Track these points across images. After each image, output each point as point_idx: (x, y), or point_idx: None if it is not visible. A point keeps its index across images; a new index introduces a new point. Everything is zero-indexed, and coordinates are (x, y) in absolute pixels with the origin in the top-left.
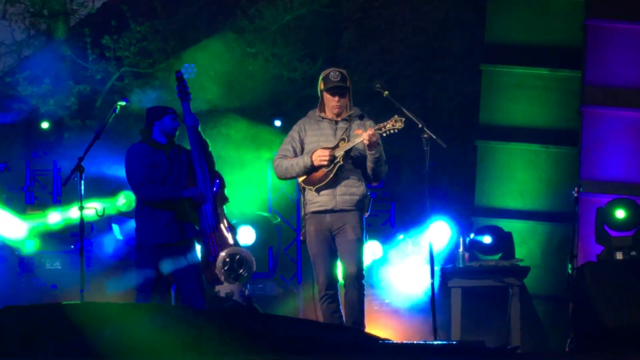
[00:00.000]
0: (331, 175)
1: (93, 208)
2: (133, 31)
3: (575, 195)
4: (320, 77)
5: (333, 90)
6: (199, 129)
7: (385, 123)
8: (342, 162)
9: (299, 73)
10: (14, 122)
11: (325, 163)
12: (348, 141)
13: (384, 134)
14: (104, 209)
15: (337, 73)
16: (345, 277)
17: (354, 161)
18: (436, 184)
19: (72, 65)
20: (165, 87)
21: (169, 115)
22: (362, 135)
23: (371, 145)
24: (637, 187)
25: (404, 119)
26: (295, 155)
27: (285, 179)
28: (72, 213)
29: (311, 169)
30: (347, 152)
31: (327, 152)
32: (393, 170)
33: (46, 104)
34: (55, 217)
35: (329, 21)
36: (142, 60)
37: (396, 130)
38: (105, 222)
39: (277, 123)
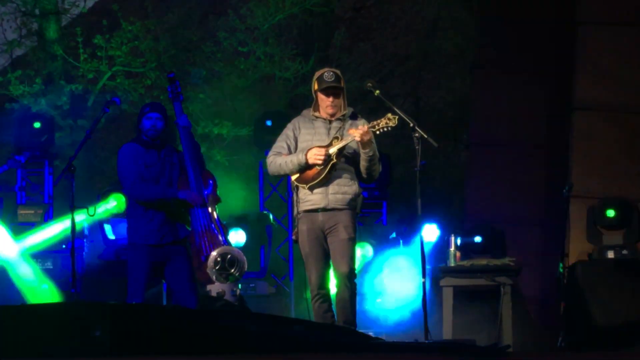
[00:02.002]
0: (324, 173)
1: (84, 208)
2: (124, 30)
3: (567, 194)
4: (314, 77)
5: (327, 91)
6: (191, 130)
7: (378, 121)
8: (335, 160)
9: (291, 72)
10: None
11: (320, 162)
12: (341, 139)
13: (377, 132)
14: (95, 208)
15: (332, 73)
16: (337, 277)
17: (347, 160)
18: (428, 183)
19: (63, 65)
20: (157, 87)
21: (145, 115)
22: (355, 133)
23: (365, 143)
24: (628, 186)
25: (397, 117)
26: (290, 152)
27: (278, 175)
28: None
29: (305, 167)
30: (340, 151)
31: (322, 151)
32: (384, 169)
33: (38, 104)
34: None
35: (321, 20)
36: (134, 59)
37: (389, 128)
38: (96, 222)
39: (268, 124)
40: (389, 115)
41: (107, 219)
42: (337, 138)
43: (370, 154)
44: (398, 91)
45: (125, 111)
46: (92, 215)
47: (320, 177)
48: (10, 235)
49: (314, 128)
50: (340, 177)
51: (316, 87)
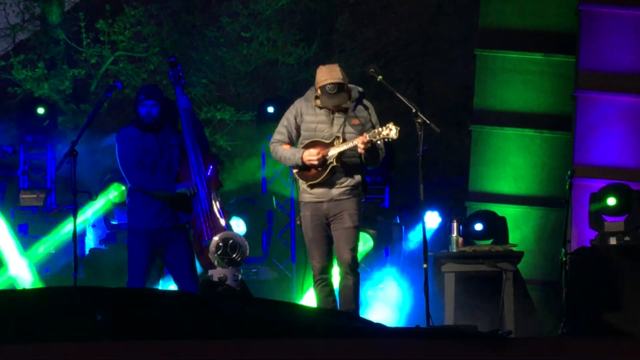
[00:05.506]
0: (324, 175)
1: (86, 192)
2: (127, 15)
3: (569, 180)
4: (317, 83)
5: (332, 100)
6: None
7: (380, 129)
8: (335, 164)
9: (294, 58)
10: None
11: (315, 164)
12: (343, 140)
13: (378, 142)
14: (97, 193)
15: (333, 85)
16: (340, 264)
17: (348, 159)
18: (430, 169)
19: (66, 49)
20: (160, 72)
21: (140, 103)
22: (356, 141)
23: (366, 150)
24: (631, 172)
25: (399, 128)
26: (290, 140)
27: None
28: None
29: (303, 166)
30: (340, 155)
31: (315, 157)
32: (387, 155)
33: (40, 88)
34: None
35: (324, 5)
36: (137, 44)
37: (390, 139)
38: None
39: (270, 109)
40: (390, 125)
41: (110, 209)
42: (338, 137)
43: (374, 159)
44: (401, 76)
45: (128, 96)
46: (95, 200)
47: (320, 178)
48: (18, 249)
49: (316, 116)
50: (341, 177)
51: (319, 92)
